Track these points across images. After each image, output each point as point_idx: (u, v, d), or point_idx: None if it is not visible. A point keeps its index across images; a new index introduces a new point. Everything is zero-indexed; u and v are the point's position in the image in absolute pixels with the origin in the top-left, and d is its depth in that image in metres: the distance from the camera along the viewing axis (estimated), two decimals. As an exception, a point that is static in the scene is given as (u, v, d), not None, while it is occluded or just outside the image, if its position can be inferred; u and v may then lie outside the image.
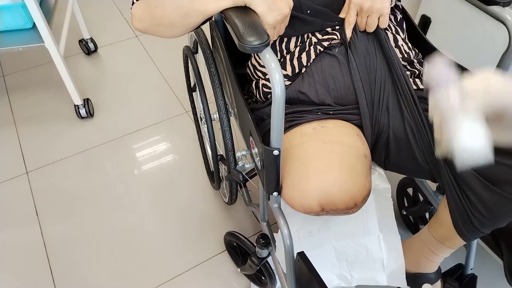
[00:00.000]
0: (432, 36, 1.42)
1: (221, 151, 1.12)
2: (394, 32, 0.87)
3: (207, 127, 1.06)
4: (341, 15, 0.82)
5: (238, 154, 0.99)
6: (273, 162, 0.73)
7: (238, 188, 1.21)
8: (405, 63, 0.86)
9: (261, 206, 1.00)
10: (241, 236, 1.11)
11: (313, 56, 0.81)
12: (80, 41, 1.92)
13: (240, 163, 0.97)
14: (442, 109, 0.55)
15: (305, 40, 0.83)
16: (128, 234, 1.32)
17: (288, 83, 0.85)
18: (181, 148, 1.57)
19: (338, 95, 0.82)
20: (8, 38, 1.39)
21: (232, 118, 1.01)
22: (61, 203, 1.40)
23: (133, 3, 0.81)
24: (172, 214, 1.37)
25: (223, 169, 1.25)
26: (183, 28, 0.77)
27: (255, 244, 1.00)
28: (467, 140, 0.51)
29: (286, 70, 0.83)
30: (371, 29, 0.81)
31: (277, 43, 0.84)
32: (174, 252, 1.28)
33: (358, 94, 0.81)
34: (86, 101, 1.62)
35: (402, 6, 0.96)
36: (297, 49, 0.83)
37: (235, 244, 1.16)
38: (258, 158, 0.80)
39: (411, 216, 1.26)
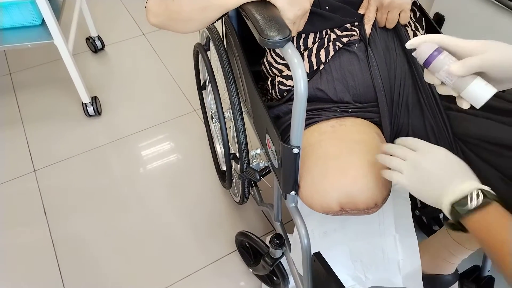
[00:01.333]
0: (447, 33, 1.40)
1: (233, 150, 1.10)
2: (414, 29, 0.85)
3: (220, 125, 1.04)
4: (361, 11, 0.81)
5: (252, 153, 0.98)
6: (292, 161, 0.72)
7: (250, 187, 1.19)
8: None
9: (275, 206, 0.98)
10: (253, 236, 1.09)
11: (331, 52, 0.79)
12: (87, 39, 1.91)
13: (255, 162, 0.95)
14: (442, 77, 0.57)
15: (324, 36, 0.81)
16: (137, 233, 1.31)
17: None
18: (189, 147, 1.56)
19: (357, 92, 0.80)
20: (16, 34, 1.38)
21: (245, 116, 1.00)
22: (69, 202, 1.39)
23: None
24: (181, 214, 1.35)
25: (233, 169, 1.23)
26: (200, 22, 0.76)
27: (268, 245, 0.99)
28: (475, 89, 0.54)
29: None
30: (391, 25, 0.80)
31: (294, 40, 0.83)
32: (184, 252, 1.26)
33: (378, 91, 0.79)
34: (94, 99, 1.61)
35: (419, 3, 0.94)
36: (316, 45, 0.81)
37: (247, 244, 1.14)
38: (275, 156, 0.78)
39: (424, 217, 1.24)
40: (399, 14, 0.78)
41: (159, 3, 0.77)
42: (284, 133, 0.82)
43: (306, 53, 0.82)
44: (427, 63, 0.56)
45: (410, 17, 0.86)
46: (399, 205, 0.96)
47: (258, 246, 1.08)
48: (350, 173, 0.70)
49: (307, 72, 0.82)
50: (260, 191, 1.22)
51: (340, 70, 0.80)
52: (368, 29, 0.80)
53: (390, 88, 0.80)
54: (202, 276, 1.21)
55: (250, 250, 1.14)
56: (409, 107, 0.80)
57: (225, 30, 1.03)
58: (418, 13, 0.89)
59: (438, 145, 0.78)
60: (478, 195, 0.54)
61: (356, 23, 0.81)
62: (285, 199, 0.83)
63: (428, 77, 0.59)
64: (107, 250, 1.26)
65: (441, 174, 0.59)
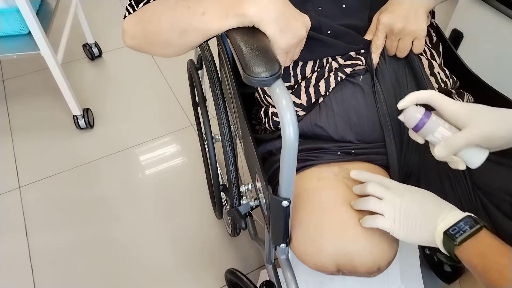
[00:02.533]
0: (464, 53, 1.28)
1: (224, 180, 1.00)
2: (429, 57, 0.74)
3: (209, 154, 0.95)
4: (367, 37, 0.70)
5: (242, 188, 0.88)
6: (281, 213, 0.62)
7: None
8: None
9: (266, 247, 0.88)
10: (243, 278, 0.99)
11: (333, 84, 0.69)
12: (84, 46, 1.83)
13: (244, 200, 0.85)
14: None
15: (324, 65, 0.70)
16: (122, 255, 1.21)
17: (302, 113, 0.73)
18: (186, 166, 1.46)
19: (361, 131, 0.70)
20: (3, 44, 1.30)
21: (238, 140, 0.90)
22: (52, 217, 1.30)
23: (125, 17, 0.70)
24: (170, 240, 1.26)
25: (225, 200, 1.14)
26: (180, 48, 0.66)
27: (259, 289, 0.88)
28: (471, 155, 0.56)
29: (300, 98, 0.71)
30: (402, 54, 0.69)
31: (290, 67, 0.72)
32: (171, 281, 1.16)
33: (385, 130, 0.68)
34: (86, 111, 1.53)
35: (436, 23, 0.83)
36: (315, 75, 0.70)
37: (236, 283, 1.04)
38: (264, 202, 0.68)
39: (435, 256, 1.13)
40: (412, 41, 0.67)
41: (135, 24, 0.68)
42: (276, 173, 0.72)
43: (303, 83, 0.71)
44: (415, 129, 0.57)
45: (426, 43, 0.75)
46: (406, 253, 0.85)
47: (248, 288, 0.97)
48: (350, 230, 0.60)
49: (304, 105, 0.71)
50: (255, 221, 1.11)
51: (342, 105, 0.69)
52: (375, 58, 0.69)
53: (399, 127, 0.69)
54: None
55: (240, 289, 1.04)
56: (421, 149, 0.69)
57: (218, 47, 0.93)
58: (434, 37, 0.78)
59: (454, 193, 0.68)
60: (471, 221, 0.53)
61: (362, 51, 0.70)
62: (275, 250, 0.73)
63: (412, 135, 0.61)
64: (88, 268, 1.17)
65: (427, 210, 0.56)
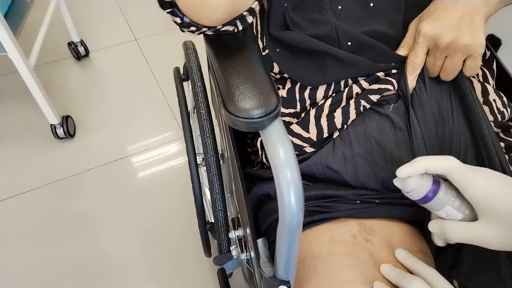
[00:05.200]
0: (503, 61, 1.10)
1: (211, 218, 0.83)
2: (481, 79, 0.56)
3: (193, 185, 0.77)
4: (401, 52, 0.52)
5: (232, 235, 0.70)
6: (277, 299, 0.44)
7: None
8: (498, 130, 0.55)
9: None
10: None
11: (353, 115, 0.51)
12: (69, 44, 1.66)
13: (234, 252, 0.67)
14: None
15: (342, 88, 0.53)
16: (105, 270, 1.05)
17: (310, 150, 0.55)
18: (176, 183, 1.29)
19: (389, 177, 0.52)
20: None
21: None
22: (29, 232, 1.14)
23: None
24: (157, 271, 1.09)
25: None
26: None
27: None
28: None
29: (308, 131, 0.54)
30: (449, 77, 0.51)
31: (296, 88, 0.55)
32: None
33: (422, 178, 0.51)
34: (65, 119, 1.36)
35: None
36: (328, 101, 0.53)
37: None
38: (254, 272, 0.51)
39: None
40: (464, 60, 0.49)
41: None
42: (274, 226, 0.55)
43: (313, 112, 0.53)
44: (420, 202, 0.43)
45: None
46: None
47: None
48: None
49: (313, 140, 0.54)
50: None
51: (365, 142, 0.52)
52: (412, 81, 0.51)
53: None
54: None
55: None
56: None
57: (207, 51, 0.75)
58: (488, 52, 0.60)
59: (510, 260, 0.51)
60: None
61: (394, 71, 0.52)
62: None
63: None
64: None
65: None
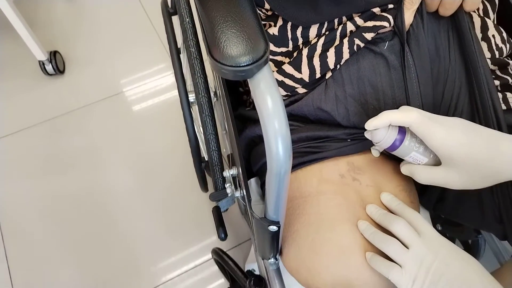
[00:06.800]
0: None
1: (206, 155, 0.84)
2: (481, 13, 0.53)
3: (186, 124, 0.77)
4: (399, -15, 0.49)
5: (226, 174, 0.71)
6: (268, 238, 0.47)
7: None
8: (494, 67, 0.53)
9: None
10: (230, 262, 0.87)
11: (346, 54, 0.50)
12: (51, -28, 1.55)
13: (228, 189, 0.69)
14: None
15: (336, 26, 0.50)
16: (104, 202, 1.10)
17: (303, 91, 0.54)
18: (173, 115, 1.28)
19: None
20: None
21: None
22: (26, 171, 1.17)
23: None
24: (156, 206, 1.13)
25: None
26: None
27: (246, 284, 0.77)
28: None
29: (300, 72, 0.52)
30: (448, 12, 0.48)
31: (288, 27, 0.52)
32: (157, 254, 1.06)
33: (414, 118, 0.50)
34: (53, 55, 1.31)
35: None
36: (321, 40, 0.51)
37: (222, 266, 0.92)
38: (246, 211, 0.52)
39: (448, 234, 1.00)
40: (464, -5, 0.47)
41: None
42: (266, 167, 0.56)
43: (305, 51, 0.52)
44: (389, 150, 0.46)
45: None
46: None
47: (235, 275, 0.86)
48: (354, 256, 0.47)
49: (305, 81, 0.53)
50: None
51: (358, 83, 0.51)
52: (409, 17, 0.49)
53: (433, 112, 0.51)
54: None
55: (226, 272, 0.93)
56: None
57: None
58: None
59: (494, 199, 0.53)
60: None
61: (390, 6, 0.49)
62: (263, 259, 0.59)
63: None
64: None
65: (465, 282, 0.41)
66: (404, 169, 0.48)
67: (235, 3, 0.35)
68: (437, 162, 0.46)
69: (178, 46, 0.83)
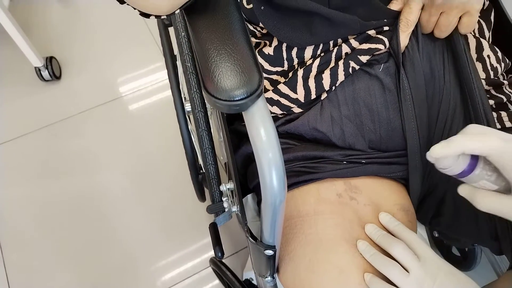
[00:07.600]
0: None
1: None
2: (477, 33, 0.53)
3: (182, 136, 0.77)
4: (394, 7, 0.49)
5: (223, 188, 0.72)
6: (264, 260, 0.47)
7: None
8: (488, 87, 0.53)
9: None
10: (227, 272, 0.87)
11: (341, 76, 0.50)
12: (46, -24, 1.55)
13: (225, 203, 0.69)
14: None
15: (331, 48, 0.50)
16: (101, 207, 1.11)
17: (298, 110, 0.54)
18: (168, 126, 1.28)
19: (376, 138, 0.52)
20: None
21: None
22: (24, 176, 1.16)
23: None
24: (153, 208, 1.13)
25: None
26: None
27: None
28: None
29: (296, 92, 0.52)
30: (443, 34, 0.48)
31: (283, 48, 0.52)
32: (155, 257, 1.06)
33: (409, 138, 0.51)
34: (49, 61, 1.31)
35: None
36: (317, 62, 0.51)
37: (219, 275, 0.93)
38: (243, 227, 0.53)
39: (445, 241, 1.01)
40: (460, 17, 0.47)
41: None
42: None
43: (300, 72, 0.51)
44: (456, 176, 0.40)
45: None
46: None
47: (233, 286, 0.86)
48: (352, 278, 0.46)
49: (300, 102, 0.53)
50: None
51: (353, 104, 0.51)
52: (404, 39, 0.49)
53: (428, 135, 0.51)
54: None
55: (225, 282, 0.93)
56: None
57: None
58: (486, 2, 0.56)
59: (490, 218, 0.53)
60: None
61: (386, 28, 0.49)
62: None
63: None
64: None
65: None
66: (465, 191, 0.41)
67: (229, 34, 0.35)
68: (506, 190, 0.39)
69: (175, 53, 0.83)
